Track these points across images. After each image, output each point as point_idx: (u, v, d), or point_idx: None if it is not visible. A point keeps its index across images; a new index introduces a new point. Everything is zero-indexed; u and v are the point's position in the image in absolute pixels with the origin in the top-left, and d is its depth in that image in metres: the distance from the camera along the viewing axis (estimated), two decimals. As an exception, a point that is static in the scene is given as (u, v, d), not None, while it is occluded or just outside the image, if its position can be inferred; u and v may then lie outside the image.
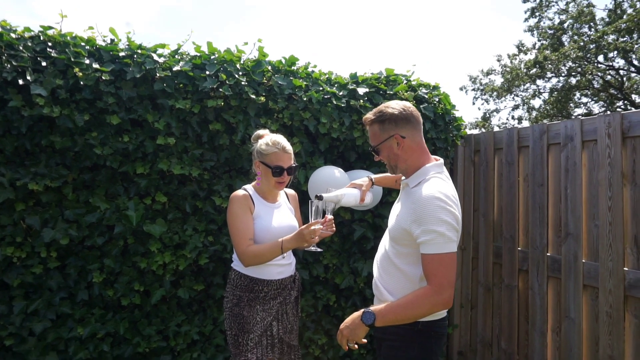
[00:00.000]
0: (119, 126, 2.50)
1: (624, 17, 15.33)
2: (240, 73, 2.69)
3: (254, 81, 2.73)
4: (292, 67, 2.93)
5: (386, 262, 1.68)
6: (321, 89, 2.89)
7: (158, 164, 2.56)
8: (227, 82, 2.61)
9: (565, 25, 17.03)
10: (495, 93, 19.30)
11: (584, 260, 2.54)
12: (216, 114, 2.67)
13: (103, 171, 2.53)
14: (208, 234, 2.73)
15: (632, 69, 16.32)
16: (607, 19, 16.39)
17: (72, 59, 2.35)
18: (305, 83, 2.85)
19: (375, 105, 3.03)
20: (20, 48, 2.29)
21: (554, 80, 17.66)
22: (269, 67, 2.83)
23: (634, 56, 15.53)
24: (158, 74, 2.48)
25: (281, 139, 2.07)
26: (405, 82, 3.21)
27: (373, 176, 2.18)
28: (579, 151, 2.59)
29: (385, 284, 1.66)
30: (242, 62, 2.78)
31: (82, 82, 2.35)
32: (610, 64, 16.33)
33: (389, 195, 3.05)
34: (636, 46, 15.17)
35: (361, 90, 2.96)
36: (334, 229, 2.01)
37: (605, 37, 15.20)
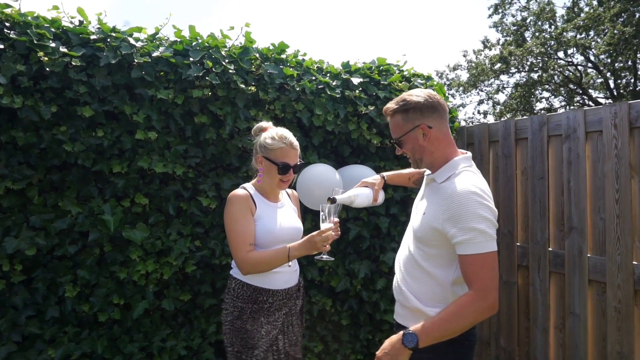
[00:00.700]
0: (91, 119, 2.22)
1: (582, 14, 15.91)
2: (227, 60, 2.45)
3: (242, 69, 2.49)
4: (282, 55, 2.71)
5: (411, 265, 1.52)
6: (314, 78, 2.69)
7: (137, 161, 2.29)
8: (214, 69, 2.36)
9: (528, 21, 17.51)
10: (461, 88, 19.65)
11: (589, 255, 2.47)
12: (201, 106, 2.43)
13: (74, 170, 2.23)
14: (194, 238, 2.48)
15: (590, 65, 16.98)
16: (565, 17, 16.96)
17: (35, 41, 2.04)
18: (297, 72, 2.64)
19: (370, 97, 2.87)
20: (-28, 28, 1.97)
21: (517, 76, 18.15)
22: (257, 55, 2.60)
23: (592, 52, 16.14)
24: (136, 60, 2.21)
25: (288, 133, 1.87)
26: (397, 72, 3.06)
27: (385, 174, 2.02)
28: (583, 143, 2.51)
29: (412, 289, 1.50)
30: (227, 48, 2.54)
31: (47, 69, 2.05)
32: (570, 60, 16.93)
33: (386, 191, 2.89)
34: (593, 43, 15.78)
35: (355, 80, 2.78)
36: (339, 232, 1.83)
37: (565, 33, 15.73)
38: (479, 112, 20.10)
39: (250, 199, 1.83)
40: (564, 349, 2.59)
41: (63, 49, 2.09)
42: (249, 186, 1.91)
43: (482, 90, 19.64)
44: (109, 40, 2.20)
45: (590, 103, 17.17)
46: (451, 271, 1.43)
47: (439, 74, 20.20)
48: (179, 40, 2.43)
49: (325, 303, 2.80)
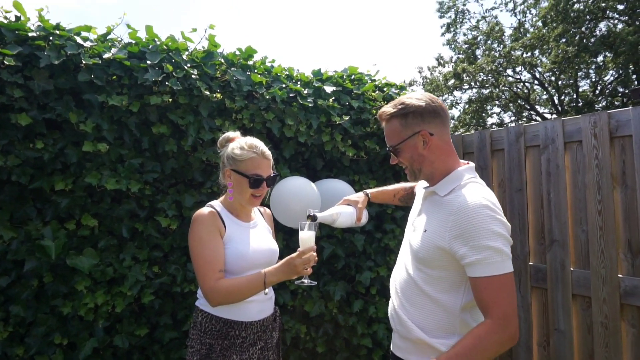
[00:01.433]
0: (29, 128, 1.91)
1: (527, 34, 16.78)
2: (190, 65, 2.22)
3: (207, 75, 2.26)
4: (249, 61, 2.51)
5: (411, 290, 1.34)
6: (284, 86, 2.49)
7: (85, 177, 1.99)
8: (175, 74, 2.12)
9: (478, 40, 18.26)
10: (417, 103, 20.07)
11: (572, 269, 2.40)
12: (160, 114, 2.17)
13: (7, 188, 1.91)
14: (152, 264, 2.19)
15: (536, 82, 17.87)
16: (513, 37, 17.84)
17: (-41, 38, 1.73)
18: (266, 79, 2.44)
19: (343, 106, 2.71)
20: None
21: (470, 92, 18.81)
22: (222, 60, 2.38)
23: (537, 70, 17.00)
24: (84, 62, 1.93)
25: (258, 142, 1.66)
26: (370, 81, 2.93)
27: (368, 191, 1.85)
28: (562, 153, 2.46)
29: (413, 318, 1.32)
30: (189, 52, 2.30)
31: (-26, 69, 1.73)
32: (518, 77, 17.75)
33: (361, 206, 2.72)
34: (539, 61, 16.65)
35: (328, 89, 2.62)
36: (316, 257, 1.63)
37: (513, 52, 16.50)
38: (434, 126, 20.57)
39: (218, 219, 1.60)
40: (549, 367, 2.49)
41: (-6, 47, 1.79)
42: (217, 204, 1.67)
43: (437, 106, 20.16)
44: (51, 38, 1.91)
45: (538, 118, 18.04)
46: (459, 296, 1.26)
47: (396, 90, 20.60)
48: (134, 42, 2.17)
49: (299, 330, 2.56)
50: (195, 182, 2.33)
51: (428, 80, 19.63)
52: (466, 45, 18.38)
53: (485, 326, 1.15)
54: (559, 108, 17.51)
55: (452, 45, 18.80)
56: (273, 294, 1.77)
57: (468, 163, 1.41)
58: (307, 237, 1.54)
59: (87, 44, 1.99)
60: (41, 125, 1.92)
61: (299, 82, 2.62)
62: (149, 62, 2.08)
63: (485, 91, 18.02)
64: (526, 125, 2.67)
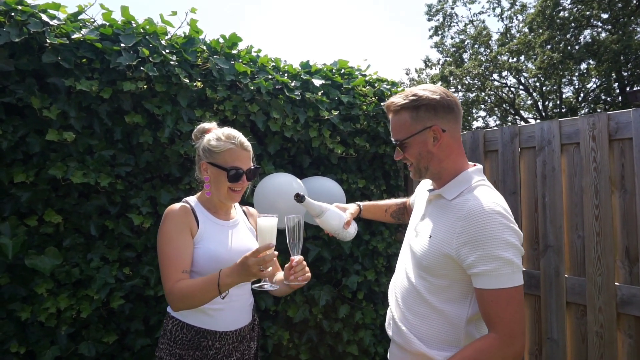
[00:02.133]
0: (-15, 114, 1.72)
1: (514, 40, 16.93)
2: (168, 50, 2.05)
3: (187, 62, 2.10)
4: (233, 50, 2.35)
5: (413, 300, 1.22)
6: (270, 77, 2.34)
7: (48, 169, 1.81)
8: (151, 59, 1.95)
9: (465, 43, 18.37)
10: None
11: (567, 275, 2.31)
12: (135, 102, 2.00)
13: (-42, 180, 1.72)
14: (123, 265, 2.02)
15: (521, 87, 18.05)
16: (499, 42, 17.99)
17: None
18: (250, 69, 2.29)
19: (333, 101, 2.57)
20: None
21: (456, 95, 18.91)
22: (204, 47, 2.22)
23: (523, 75, 17.16)
24: (49, 41, 1.75)
25: (236, 133, 1.51)
26: (360, 76, 2.80)
27: (361, 203, 1.73)
28: (558, 155, 2.36)
29: (414, 329, 1.20)
30: (169, 37, 2.14)
31: None
32: (504, 81, 17.90)
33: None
34: (524, 67, 16.81)
35: (317, 82, 2.48)
36: (309, 274, 1.47)
37: (499, 57, 16.63)
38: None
39: (190, 215, 1.45)
40: (541, 377, 2.39)
41: (-55, 21, 1.60)
42: (192, 199, 1.52)
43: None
44: (12, 14, 1.73)
45: (522, 123, 18.22)
46: (465, 307, 1.15)
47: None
48: (108, 24, 2.00)
49: (281, 336, 2.41)
50: (172, 177, 2.16)
51: (415, 83, 19.67)
52: (454, 49, 18.47)
53: (489, 340, 1.05)
54: (543, 114, 17.71)
55: (440, 48, 18.89)
56: (252, 301, 1.63)
57: (475, 165, 1.29)
58: (265, 228, 1.32)
59: (55, 22, 1.81)
60: (-1, 111, 1.74)
61: (286, 74, 2.48)
62: (123, 45, 1.91)
63: (472, 95, 18.14)
64: (521, 126, 2.58)
